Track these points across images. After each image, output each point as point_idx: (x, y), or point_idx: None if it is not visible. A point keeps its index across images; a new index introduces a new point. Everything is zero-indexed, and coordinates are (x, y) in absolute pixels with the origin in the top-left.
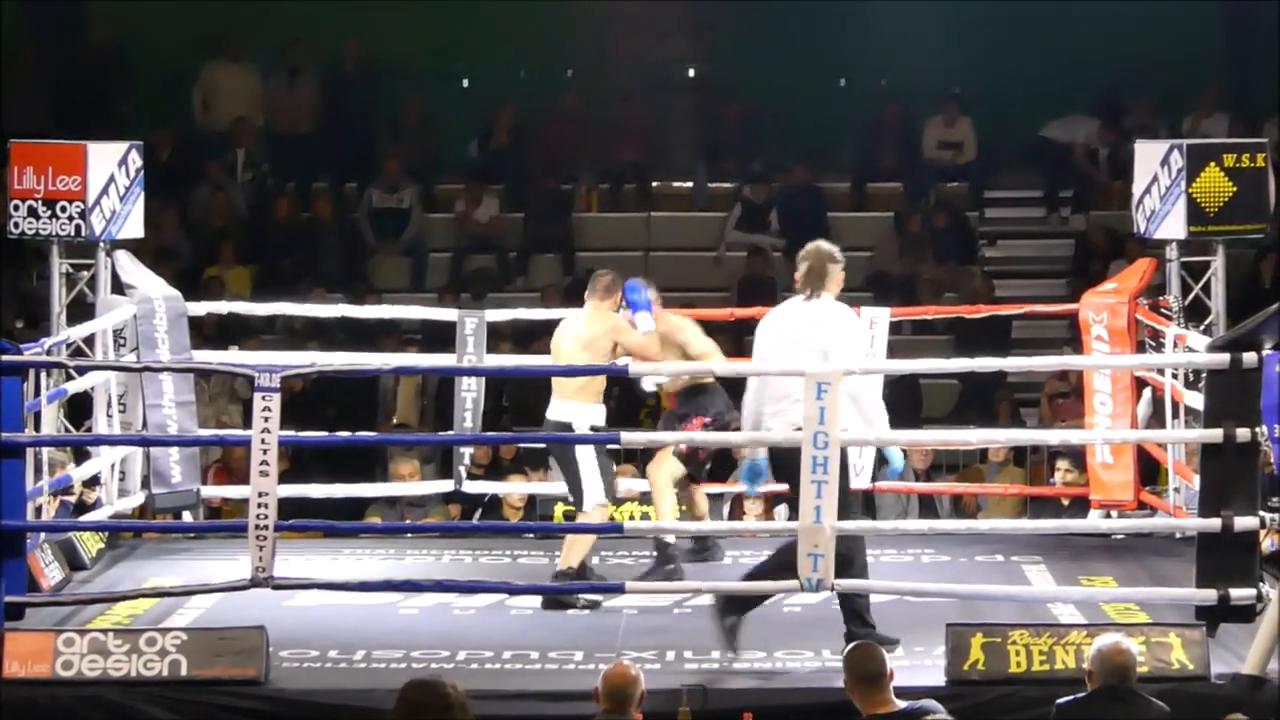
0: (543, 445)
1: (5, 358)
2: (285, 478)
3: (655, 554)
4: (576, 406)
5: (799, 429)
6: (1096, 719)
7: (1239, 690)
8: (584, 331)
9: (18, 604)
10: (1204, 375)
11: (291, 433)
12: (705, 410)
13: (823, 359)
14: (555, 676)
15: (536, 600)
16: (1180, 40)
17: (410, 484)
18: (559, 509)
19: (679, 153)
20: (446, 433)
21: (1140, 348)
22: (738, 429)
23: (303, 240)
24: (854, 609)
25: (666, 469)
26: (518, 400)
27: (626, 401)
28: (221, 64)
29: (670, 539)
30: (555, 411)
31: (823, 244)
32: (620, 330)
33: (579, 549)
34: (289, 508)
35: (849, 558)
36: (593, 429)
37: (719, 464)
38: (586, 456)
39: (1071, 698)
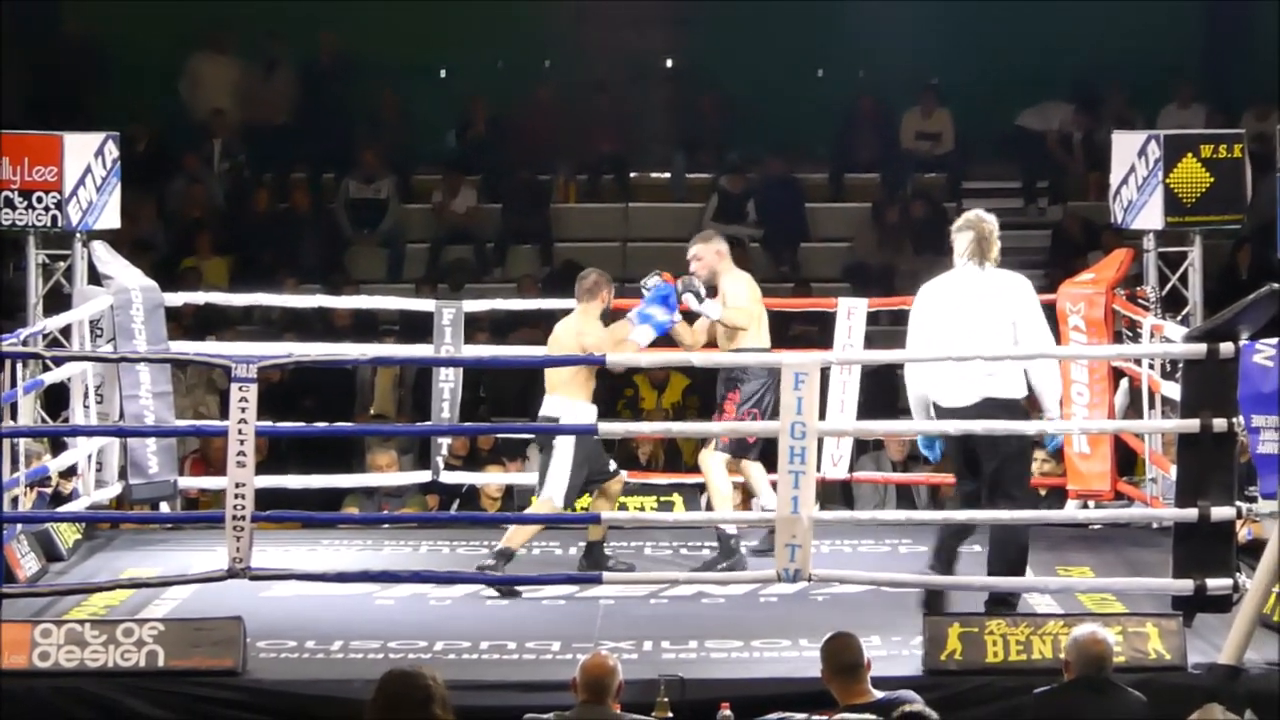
0: (520, 436)
1: None
2: (261, 468)
3: (717, 545)
4: (564, 402)
5: (987, 399)
6: (1073, 709)
7: (1215, 680)
8: (561, 335)
9: None
10: (1181, 365)
11: (269, 423)
12: (739, 385)
13: (1011, 329)
14: (533, 667)
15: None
16: (1157, 31)
17: (388, 475)
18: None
19: (656, 144)
20: (425, 423)
21: (1117, 338)
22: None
23: (280, 231)
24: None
25: (716, 456)
26: (495, 391)
27: (604, 395)
28: (207, 55)
29: (731, 530)
30: (545, 407)
31: (982, 212)
32: (583, 334)
33: (522, 535)
34: (266, 499)
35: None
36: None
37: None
38: (563, 454)
39: (1048, 688)
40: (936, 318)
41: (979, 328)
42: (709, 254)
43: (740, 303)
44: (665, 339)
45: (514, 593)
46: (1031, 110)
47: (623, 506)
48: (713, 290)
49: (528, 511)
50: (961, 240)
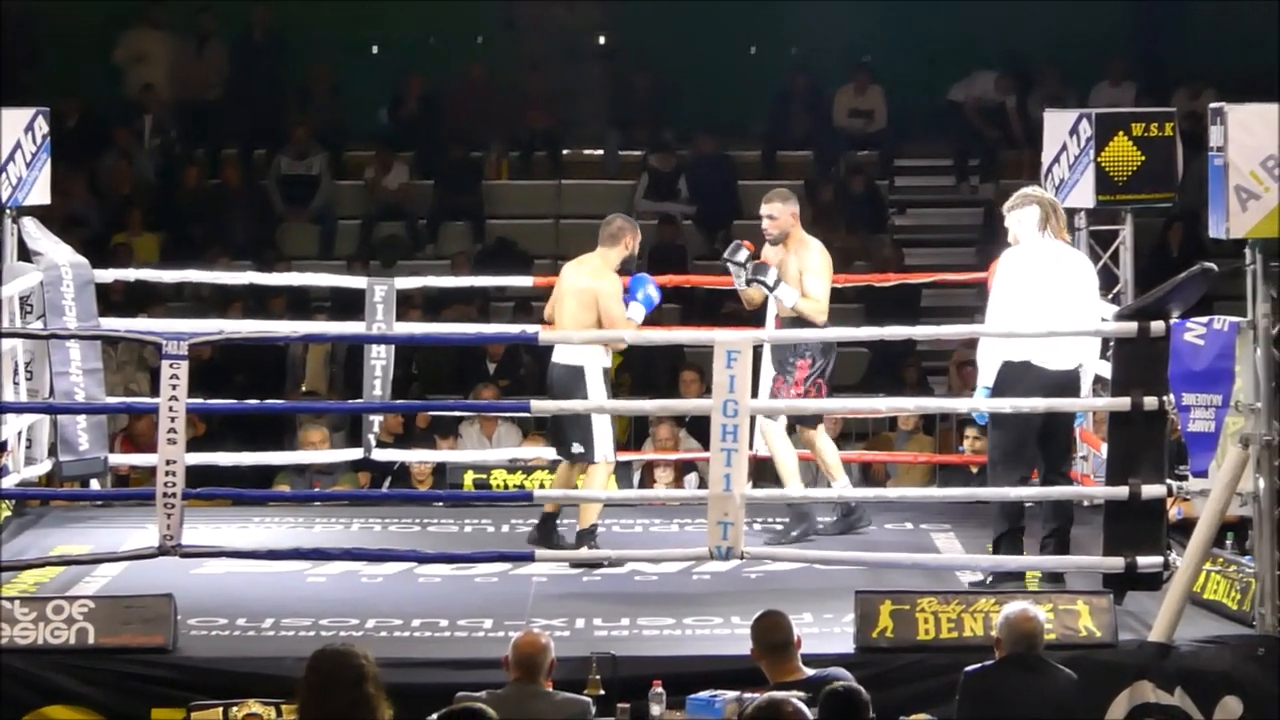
0: (451, 414)
1: None
2: (202, 444)
3: (838, 514)
4: (586, 352)
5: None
6: (1004, 687)
7: (1146, 657)
8: (580, 280)
9: None
10: (1112, 344)
11: (200, 400)
12: (807, 354)
13: (1085, 308)
14: (465, 644)
15: (444, 568)
16: (1090, 9)
17: (319, 452)
18: (468, 477)
19: (589, 120)
20: (359, 400)
21: None
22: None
23: (211, 207)
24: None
25: (777, 426)
26: (428, 368)
27: (538, 370)
28: (140, 30)
29: (843, 494)
30: (562, 354)
31: (1035, 187)
32: (606, 293)
33: (594, 509)
34: (198, 476)
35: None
36: (604, 370)
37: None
38: (601, 414)
39: (979, 665)
40: (1037, 286)
41: (1076, 301)
42: (785, 215)
43: (817, 292)
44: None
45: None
46: (959, 85)
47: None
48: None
49: (588, 480)
50: (1028, 216)
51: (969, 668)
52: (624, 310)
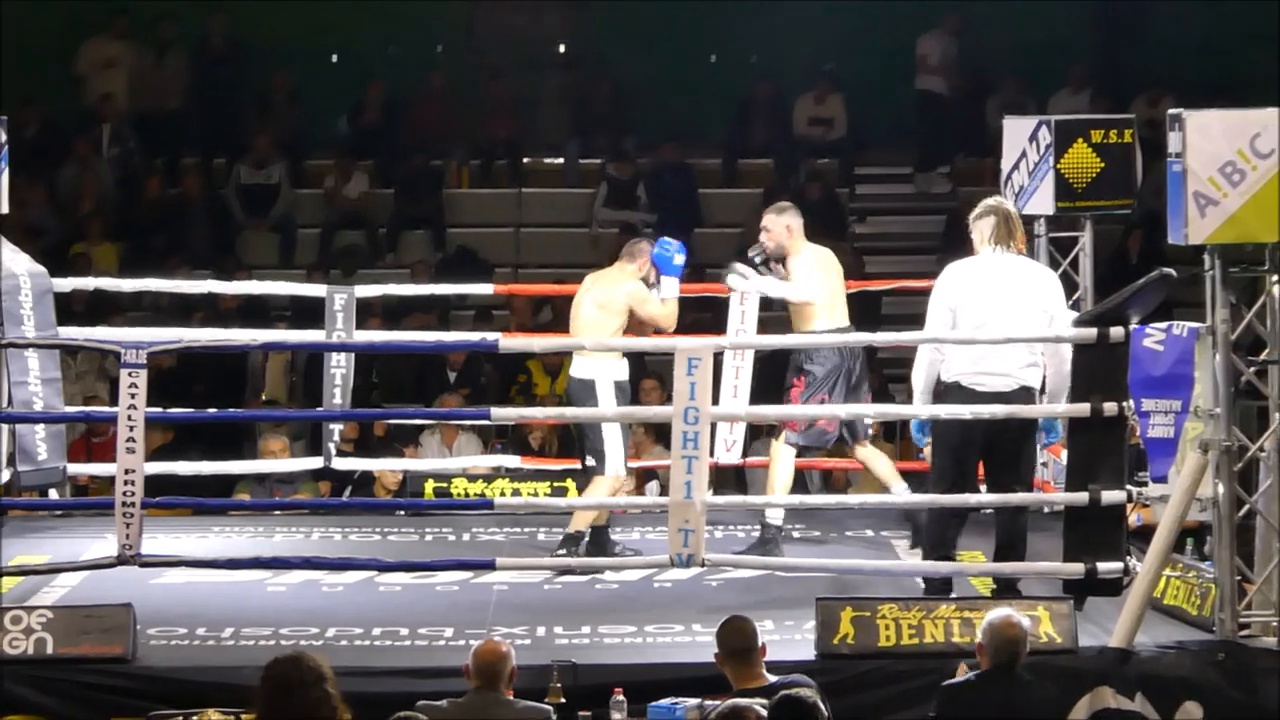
0: (414, 422)
1: None
2: (162, 453)
3: (760, 530)
4: (597, 363)
5: (1024, 387)
6: (982, 704)
7: (1106, 663)
8: (602, 292)
9: None
10: (1072, 350)
11: (159, 409)
12: (804, 371)
13: (1048, 322)
14: (425, 653)
15: (405, 577)
16: (1050, 16)
17: (280, 461)
18: (429, 486)
19: (550, 129)
20: (319, 409)
21: None
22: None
23: (171, 217)
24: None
25: (785, 447)
26: (388, 377)
27: (499, 378)
28: (103, 40)
29: (770, 518)
30: (577, 368)
31: (1000, 198)
32: (636, 295)
33: (587, 515)
34: (157, 485)
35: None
36: (616, 384)
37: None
38: (612, 426)
39: (958, 680)
40: (972, 302)
41: (1020, 316)
42: (778, 227)
43: (796, 277)
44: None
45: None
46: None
47: (515, 492)
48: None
49: (592, 489)
50: (985, 226)
51: (946, 683)
52: (656, 305)
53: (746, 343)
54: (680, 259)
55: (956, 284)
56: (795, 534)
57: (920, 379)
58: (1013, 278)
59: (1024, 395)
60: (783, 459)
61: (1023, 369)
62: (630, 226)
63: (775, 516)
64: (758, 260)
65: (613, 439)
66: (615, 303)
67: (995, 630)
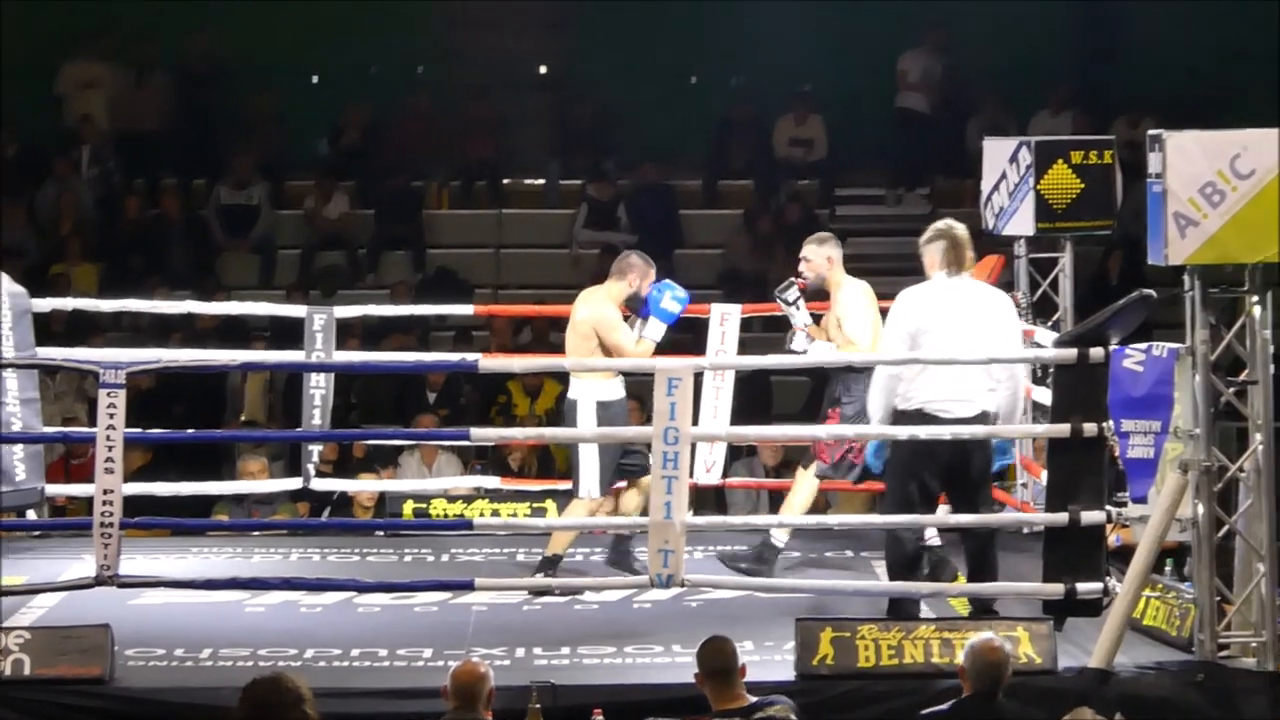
0: (393, 442)
1: None
2: (141, 473)
3: (759, 545)
4: (582, 384)
5: (984, 413)
6: None
7: (1086, 684)
8: (580, 312)
9: None
10: (1052, 370)
11: (138, 430)
12: (839, 404)
13: (990, 348)
14: (404, 674)
15: (384, 598)
16: (1030, 38)
17: (258, 481)
18: (408, 506)
19: (530, 150)
20: (299, 430)
21: None
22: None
23: (151, 237)
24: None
25: (811, 476)
26: (367, 398)
27: (478, 399)
28: (83, 61)
29: (780, 541)
30: (570, 388)
31: (951, 221)
32: (604, 323)
33: (565, 538)
34: (135, 505)
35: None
36: (599, 404)
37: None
38: (586, 445)
39: (935, 710)
40: (933, 327)
41: (982, 341)
42: (819, 258)
43: (858, 336)
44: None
45: (575, 591)
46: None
47: (495, 513)
48: (821, 294)
49: (567, 511)
50: (934, 251)
51: (925, 711)
52: (625, 336)
53: (727, 363)
54: (675, 307)
55: (916, 310)
56: None
57: (879, 406)
58: (971, 302)
59: (982, 420)
60: (806, 486)
61: (984, 394)
62: (611, 247)
63: (780, 538)
64: (790, 299)
65: (588, 461)
66: (583, 326)
67: (977, 654)
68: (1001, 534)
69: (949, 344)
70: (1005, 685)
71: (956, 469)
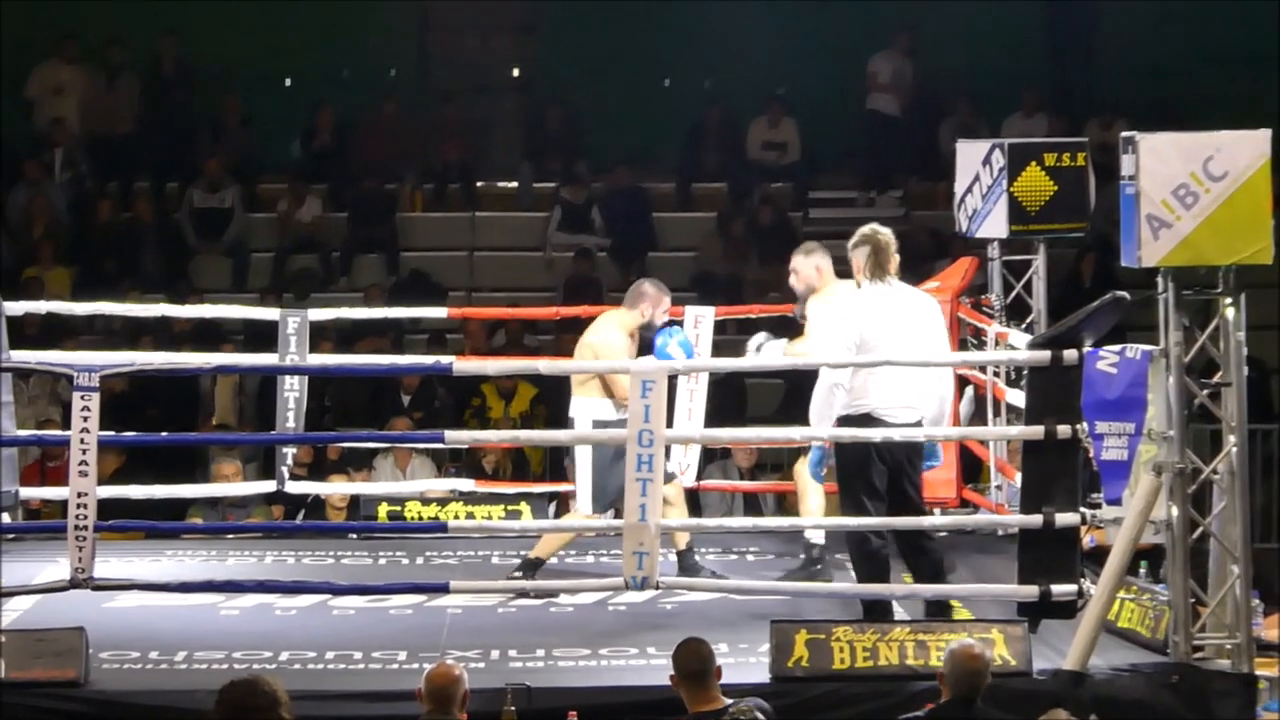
0: (367, 445)
1: None
2: (115, 476)
3: (803, 554)
4: (581, 402)
5: (922, 417)
6: None
7: (1060, 686)
8: (590, 335)
9: None
10: (1025, 373)
11: (111, 433)
12: None
13: (925, 352)
14: (378, 676)
15: (359, 600)
16: (1002, 40)
17: (233, 484)
18: (383, 509)
19: (503, 153)
20: (273, 432)
21: (963, 346)
22: None
23: (123, 240)
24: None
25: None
26: (340, 401)
27: (452, 402)
28: (53, 64)
29: (814, 538)
30: (571, 408)
31: (878, 226)
32: (607, 352)
33: (553, 543)
34: (110, 508)
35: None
36: (595, 424)
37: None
38: (582, 460)
39: (913, 716)
40: (879, 332)
41: (927, 345)
42: (807, 269)
43: (808, 345)
44: None
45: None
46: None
47: (469, 516)
48: None
49: (564, 519)
50: (859, 256)
51: (902, 717)
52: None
53: (701, 366)
54: (678, 354)
55: (859, 316)
56: (750, 557)
57: (826, 410)
58: (906, 308)
59: (920, 424)
60: (814, 485)
61: (925, 399)
62: (585, 251)
63: (817, 537)
64: (754, 348)
65: (583, 476)
66: (584, 351)
67: (957, 660)
68: (976, 536)
69: (894, 349)
70: (984, 691)
71: (901, 472)
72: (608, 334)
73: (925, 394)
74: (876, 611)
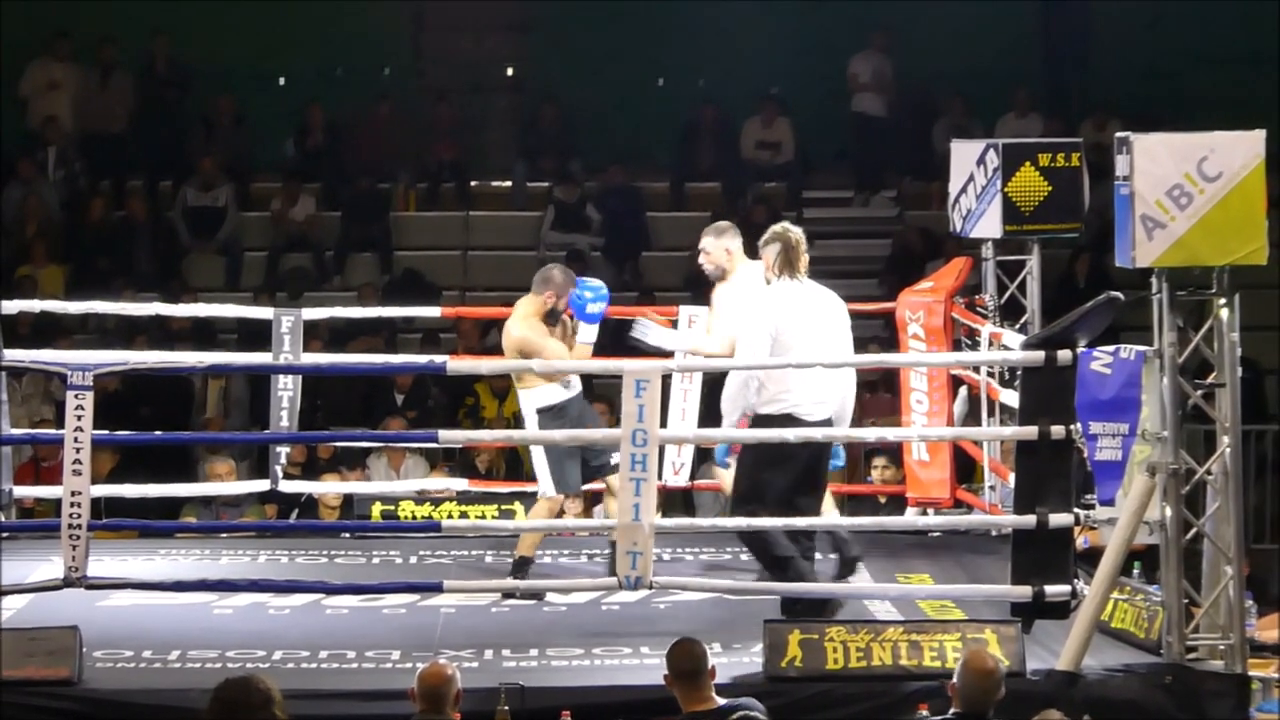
0: (359, 445)
1: None
2: (109, 475)
3: (836, 555)
4: (523, 394)
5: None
6: None
7: (1054, 686)
8: (508, 332)
9: None
10: (1019, 373)
11: (105, 432)
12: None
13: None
14: (372, 676)
15: (352, 600)
16: (996, 40)
17: (226, 483)
18: (376, 508)
19: (497, 152)
20: (267, 431)
21: (956, 346)
22: None
23: (117, 239)
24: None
25: None
26: (333, 400)
27: (446, 401)
28: (47, 62)
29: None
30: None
31: (789, 224)
32: (528, 346)
33: (531, 539)
34: (104, 507)
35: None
36: (539, 411)
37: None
38: (537, 448)
39: None
40: (788, 330)
41: (832, 344)
42: (717, 250)
43: (727, 323)
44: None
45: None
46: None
47: (463, 515)
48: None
49: (533, 512)
50: (769, 254)
51: None
52: (553, 349)
53: (694, 365)
54: (596, 306)
55: (774, 313)
56: (744, 557)
57: (740, 402)
58: (819, 306)
59: (827, 423)
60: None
61: (837, 397)
62: (577, 251)
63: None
64: (638, 335)
65: (540, 463)
66: (508, 344)
67: (971, 671)
68: (970, 536)
69: (807, 345)
70: (996, 705)
71: (811, 471)
72: (520, 328)
73: (834, 390)
74: (807, 610)
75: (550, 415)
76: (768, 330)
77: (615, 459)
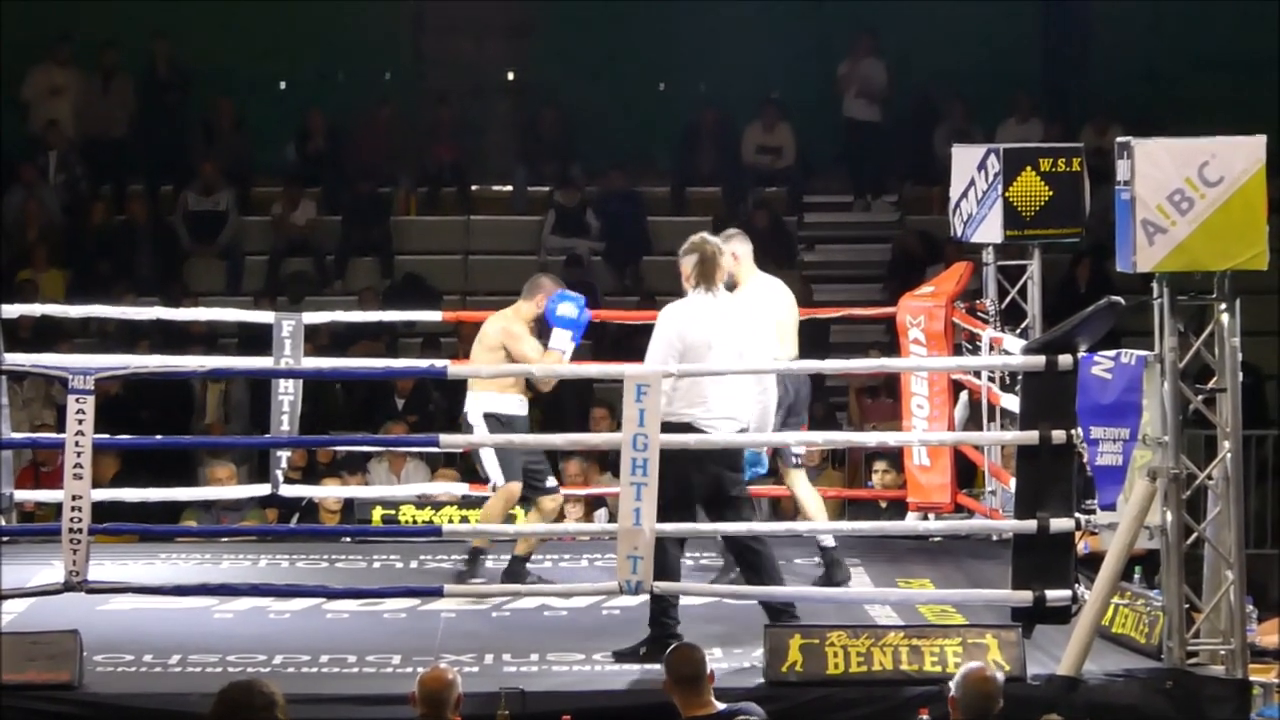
0: (360, 449)
1: None
2: (114, 479)
3: (821, 560)
4: (475, 396)
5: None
6: None
7: (1055, 691)
8: (487, 326)
9: None
10: (1020, 378)
11: (106, 436)
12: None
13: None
14: (372, 680)
15: (353, 604)
16: (996, 45)
17: (227, 488)
18: (377, 512)
19: (498, 156)
20: (268, 436)
21: (957, 351)
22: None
23: (118, 243)
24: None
25: (797, 473)
26: (335, 404)
27: (446, 405)
28: (48, 67)
29: (829, 542)
30: (466, 404)
31: (708, 235)
32: (510, 334)
33: (527, 540)
34: (104, 511)
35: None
36: (485, 416)
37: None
38: (481, 444)
39: None
40: (697, 343)
41: (745, 355)
42: (684, 267)
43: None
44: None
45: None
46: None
47: (464, 519)
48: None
49: (488, 505)
50: (687, 265)
51: None
52: (531, 347)
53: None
54: (571, 313)
55: (682, 326)
56: None
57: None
58: (731, 318)
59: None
60: (799, 483)
61: (748, 409)
62: (577, 256)
63: (829, 540)
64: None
65: (489, 460)
66: (489, 339)
67: (970, 683)
68: (970, 541)
69: (717, 358)
70: (997, 715)
71: (719, 482)
72: (508, 322)
73: (747, 403)
74: (784, 615)
75: (498, 423)
76: (674, 345)
77: (552, 482)
